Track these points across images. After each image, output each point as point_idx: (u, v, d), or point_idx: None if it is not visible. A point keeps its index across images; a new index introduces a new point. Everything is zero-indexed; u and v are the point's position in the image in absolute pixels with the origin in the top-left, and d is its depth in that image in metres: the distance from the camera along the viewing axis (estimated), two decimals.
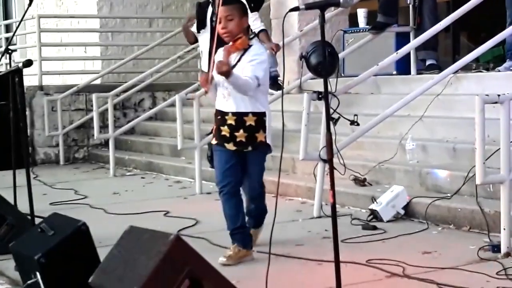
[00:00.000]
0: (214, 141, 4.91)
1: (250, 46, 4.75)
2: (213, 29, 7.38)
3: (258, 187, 4.93)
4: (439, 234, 5.26)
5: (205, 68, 7.34)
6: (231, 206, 4.79)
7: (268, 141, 4.78)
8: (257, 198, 4.97)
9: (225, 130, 4.77)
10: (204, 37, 7.45)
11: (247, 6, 5.02)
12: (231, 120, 4.74)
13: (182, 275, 3.12)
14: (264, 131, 4.75)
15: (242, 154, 4.81)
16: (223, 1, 4.77)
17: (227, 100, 4.74)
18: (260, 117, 4.73)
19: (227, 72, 4.49)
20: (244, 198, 4.99)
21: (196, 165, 7.50)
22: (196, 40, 7.56)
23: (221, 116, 4.79)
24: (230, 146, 4.77)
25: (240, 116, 4.71)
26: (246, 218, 4.93)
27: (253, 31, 4.88)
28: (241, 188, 4.95)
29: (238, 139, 4.74)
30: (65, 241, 4.18)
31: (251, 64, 4.66)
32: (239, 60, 4.72)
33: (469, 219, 5.24)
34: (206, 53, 6.90)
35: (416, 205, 5.65)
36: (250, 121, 4.72)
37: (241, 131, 4.72)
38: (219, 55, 4.74)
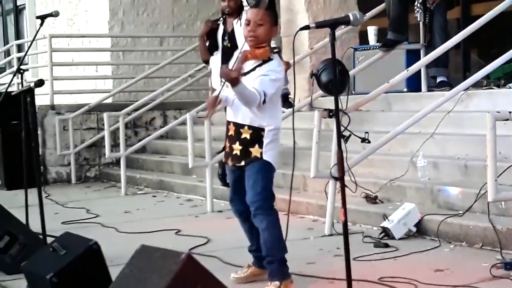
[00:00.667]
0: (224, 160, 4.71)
1: (270, 59, 4.44)
2: (224, 48, 7.44)
3: (254, 209, 4.42)
4: (451, 251, 5.24)
5: (215, 85, 7.38)
6: (245, 228, 4.70)
7: (265, 158, 4.39)
8: (257, 220, 4.46)
9: (228, 146, 4.56)
10: (216, 56, 7.50)
11: None
12: (231, 131, 4.50)
13: None
14: (261, 147, 4.38)
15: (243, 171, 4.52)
16: (255, 4, 4.55)
17: (232, 106, 4.47)
18: (257, 131, 4.39)
19: (235, 79, 4.12)
20: None
21: (207, 183, 7.50)
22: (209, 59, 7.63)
23: (227, 127, 4.56)
24: (229, 161, 4.55)
25: (237, 127, 4.46)
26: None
27: (277, 46, 4.63)
28: None
29: (234, 152, 4.48)
30: (77, 260, 4.19)
31: (262, 79, 4.29)
32: (253, 69, 4.42)
33: (481, 237, 5.21)
34: (216, 72, 6.93)
35: (428, 222, 5.63)
36: (245, 133, 4.42)
37: (237, 143, 4.45)
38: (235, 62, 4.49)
